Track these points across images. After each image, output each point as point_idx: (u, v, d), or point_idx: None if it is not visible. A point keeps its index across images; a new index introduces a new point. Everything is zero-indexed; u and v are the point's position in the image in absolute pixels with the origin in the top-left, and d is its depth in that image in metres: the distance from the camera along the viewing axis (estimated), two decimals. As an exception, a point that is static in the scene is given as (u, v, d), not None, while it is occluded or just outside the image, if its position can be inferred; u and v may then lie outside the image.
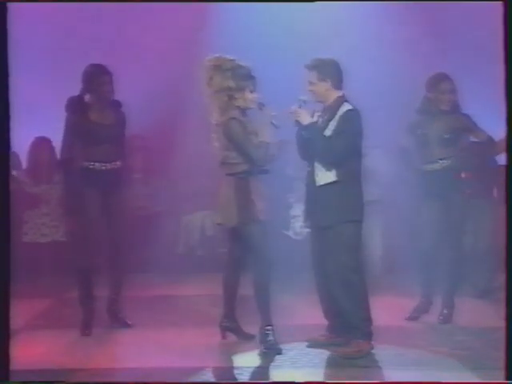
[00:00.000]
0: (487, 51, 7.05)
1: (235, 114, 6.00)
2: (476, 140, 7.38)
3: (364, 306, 5.88)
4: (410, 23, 9.15)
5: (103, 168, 6.63)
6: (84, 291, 6.71)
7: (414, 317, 6.92)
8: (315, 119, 5.94)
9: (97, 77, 6.59)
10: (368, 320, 5.89)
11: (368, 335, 5.87)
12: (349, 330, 5.91)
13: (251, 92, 6.05)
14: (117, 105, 6.73)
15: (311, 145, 5.89)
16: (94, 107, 6.64)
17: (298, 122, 5.92)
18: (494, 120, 7.44)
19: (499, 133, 6.70)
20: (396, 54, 9.06)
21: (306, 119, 5.89)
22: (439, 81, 6.76)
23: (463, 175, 6.84)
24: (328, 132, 5.85)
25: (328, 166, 5.84)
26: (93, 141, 6.57)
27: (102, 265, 6.72)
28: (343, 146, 5.79)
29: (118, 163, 6.69)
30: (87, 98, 6.66)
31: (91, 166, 6.61)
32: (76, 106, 6.61)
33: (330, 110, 5.90)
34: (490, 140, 7.26)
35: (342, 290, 5.85)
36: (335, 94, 5.93)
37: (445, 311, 6.84)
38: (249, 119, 6.10)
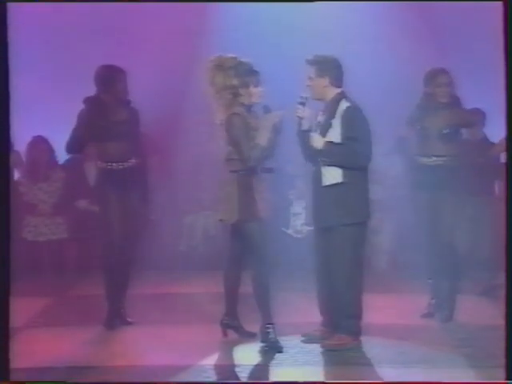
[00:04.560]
0: (487, 51, 7.04)
1: (239, 110, 5.99)
2: (470, 138, 7.38)
3: (358, 302, 5.92)
4: (410, 23, 9.13)
5: (120, 167, 6.67)
6: (109, 289, 6.75)
7: (429, 314, 6.90)
8: (319, 119, 5.94)
9: (110, 77, 6.64)
10: (358, 317, 5.91)
11: (356, 331, 5.90)
12: (339, 325, 5.93)
13: (255, 87, 6.05)
14: (129, 103, 6.77)
15: (311, 145, 5.89)
16: (109, 106, 6.67)
17: (298, 120, 5.93)
18: (493, 119, 7.47)
19: (499, 132, 6.71)
20: (396, 54, 9.05)
21: (305, 122, 5.89)
22: (435, 75, 6.79)
23: (461, 172, 6.84)
24: (333, 132, 5.83)
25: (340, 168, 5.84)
26: (109, 138, 6.60)
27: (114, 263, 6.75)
28: (368, 151, 5.81)
29: (133, 161, 6.73)
30: (102, 97, 6.69)
31: (109, 167, 6.67)
32: (92, 106, 6.64)
33: (330, 108, 5.90)
34: (485, 141, 7.26)
35: (344, 288, 5.87)
36: (334, 91, 5.92)
37: (446, 310, 6.83)
38: (255, 115, 6.09)
